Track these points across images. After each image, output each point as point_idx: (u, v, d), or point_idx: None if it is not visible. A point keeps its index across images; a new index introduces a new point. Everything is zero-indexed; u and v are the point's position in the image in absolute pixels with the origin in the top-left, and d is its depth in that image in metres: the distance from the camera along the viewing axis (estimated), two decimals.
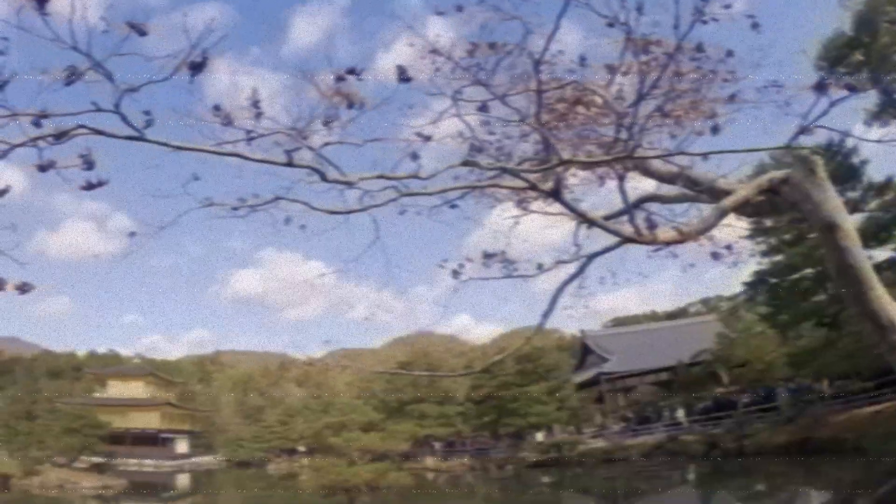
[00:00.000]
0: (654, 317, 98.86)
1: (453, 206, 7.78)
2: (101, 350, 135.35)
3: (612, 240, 7.91)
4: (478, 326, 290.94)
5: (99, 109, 4.87)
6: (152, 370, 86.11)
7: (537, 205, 9.10)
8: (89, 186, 5.16)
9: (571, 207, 7.19)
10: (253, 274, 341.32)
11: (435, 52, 7.22)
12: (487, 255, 8.45)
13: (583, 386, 61.15)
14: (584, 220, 7.48)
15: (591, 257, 8.65)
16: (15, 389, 78.92)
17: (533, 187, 6.89)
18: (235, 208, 6.46)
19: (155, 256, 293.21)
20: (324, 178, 6.04)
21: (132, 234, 6.40)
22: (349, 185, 6.31)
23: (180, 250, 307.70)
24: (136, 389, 77.23)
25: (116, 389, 78.09)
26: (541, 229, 9.48)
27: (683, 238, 7.13)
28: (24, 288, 5.06)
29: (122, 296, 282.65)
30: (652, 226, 6.98)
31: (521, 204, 9.15)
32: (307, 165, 5.95)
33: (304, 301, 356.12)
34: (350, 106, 5.99)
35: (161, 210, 6.65)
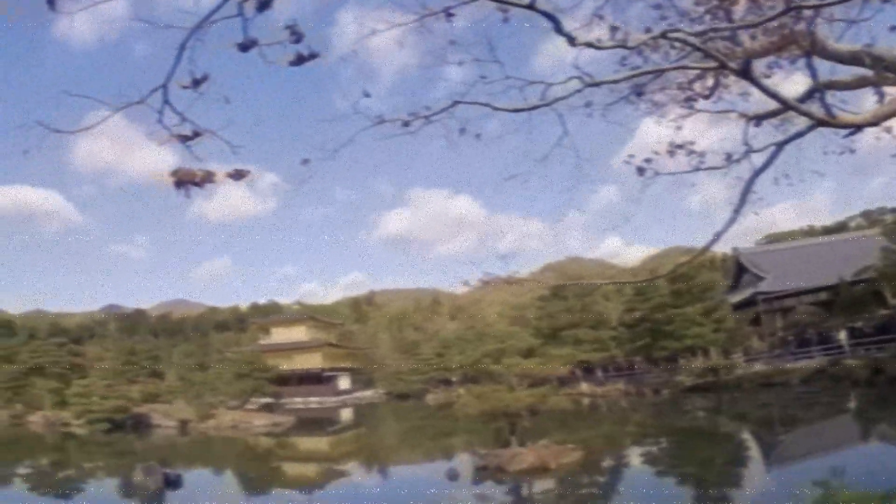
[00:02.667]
0: (811, 232, 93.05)
1: (639, 94, 7.57)
2: (262, 302, 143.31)
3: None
4: (628, 249, 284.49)
5: None
6: (311, 315, 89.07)
7: (700, 104, 8.26)
8: (299, 60, 4.50)
9: (763, 86, 6.46)
10: (402, 214, 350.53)
11: None
12: (675, 146, 7.89)
13: (738, 307, 57.17)
14: (778, 99, 6.69)
15: (781, 145, 7.94)
16: (187, 345, 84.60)
17: (723, 66, 6.22)
18: (406, 123, 6.21)
19: (306, 209, 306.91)
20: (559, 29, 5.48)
21: (305, 161, 6.01)
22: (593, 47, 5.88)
23: (329, 200, 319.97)
24: (298, 334, 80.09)
25: (280, 336, 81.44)
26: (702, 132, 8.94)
27: (877, 119, 6.77)
28: (237, 174, 4.72)
29: (279, 249, 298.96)
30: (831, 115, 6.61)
31: (688, 102, 8.22)
32: (543, 12, 5.34)
33: (453, 236, 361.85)
34: None
35: (334, 134, 6.48)
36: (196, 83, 4.38)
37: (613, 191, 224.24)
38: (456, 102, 6.18)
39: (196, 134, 4.60)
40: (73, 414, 43.58)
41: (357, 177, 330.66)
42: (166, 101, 4.50)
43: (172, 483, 20.78)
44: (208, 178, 4.59)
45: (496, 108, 6.35)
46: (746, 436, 28.44)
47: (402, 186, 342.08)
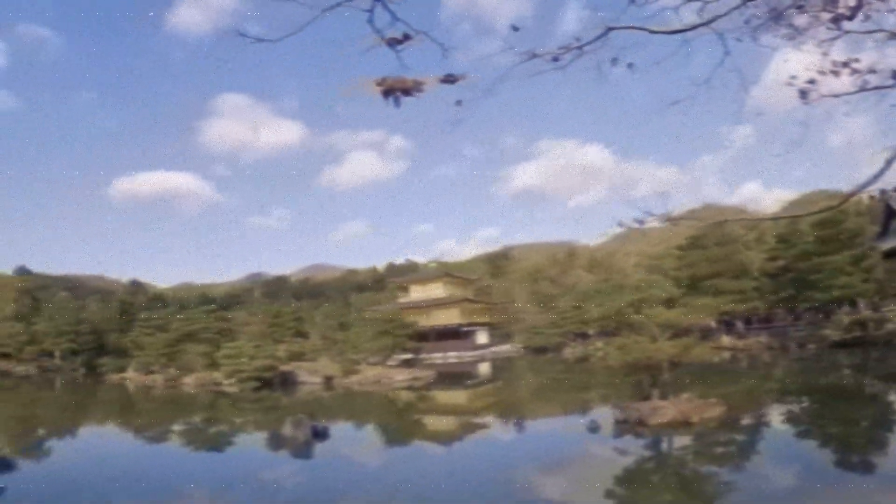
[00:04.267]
0: None
1: (777, 18, 6.71)
2: (399, 261, 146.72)
3: None
4: (767, 194, 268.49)
5: None
6: (448, 272, 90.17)
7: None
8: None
9: None
10: (532, 167, 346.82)
11: None
12: (840, 63, 6.89)
13: (888, 255, 52.18)
14: None
15: None
16: (328, 306, 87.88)
17: None
18: (556, 58, 5.95)
19: (436, 168, 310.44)
20: None
21: (458, 102, 5.48)
22: None
23: (458, 158, 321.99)
24: (435, 291, 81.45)
25: (418, 293, 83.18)
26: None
27: None
28: (450, 79, 4.73)
29: (412, 209, 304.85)
30: None
31: (835, 23, 7.00)
32: None
33: (585, 187, 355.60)
34: None
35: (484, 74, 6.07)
36: None
37: (750, 131, 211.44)
38: (610, 29, 5.92)
39: (406, 37, 4.59)
40: (224, 374, 46.34)
41: (483, 132, 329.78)
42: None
43: (320, 435, 21.61)
44: (417, 86, 4.58)
45: (653, 31, 6.09)
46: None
47: (529, 139, 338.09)
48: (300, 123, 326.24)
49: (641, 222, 8.91)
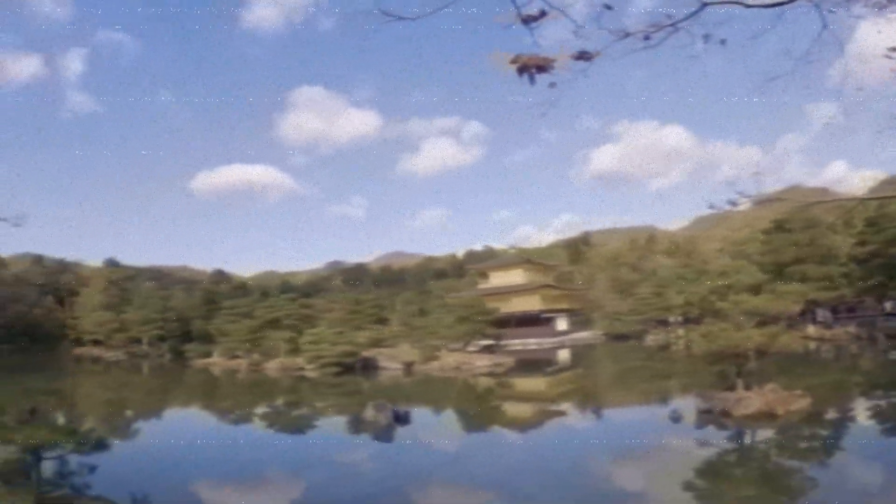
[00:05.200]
0: None
1: None
2: (478, 248, 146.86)
3: None
4: (853, 175, 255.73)
5: None
6: (527, 258, 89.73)
7: None
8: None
9: None
10: (610, 150, 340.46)
11: None
12: None
13: None
14: None
15: None
16: (408, 293, 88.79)
17: None
18: (647, 37, 5.78)
19: (513, 153, 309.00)
20: None
21: (552, 84, 5.15)
22: None
23: (535, 142, 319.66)
24: (514, 277, 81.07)
25: (497, 280, 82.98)
26: None
27: None
28: (584, 56, 4.77)
29: (490, 196, 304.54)
30: None
31: None
32: None
33: (665, 169, 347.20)
34: None
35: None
36: None
37: (836, 108, 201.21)
38: (705, 4, 5.77)
39: (542, 13, 4.57)
40: (306, 359, 47.52)
41: (560, 115, 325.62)
42: None
43: (401, 419, 22.06)
44: (549, 63, 4.55)
45: (749, 6, 5.97)
46: None
47: (607, 120, 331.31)
48: (375, 113, 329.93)
49: (734, 204, 8.70)
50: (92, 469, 8.62)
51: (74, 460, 8.42)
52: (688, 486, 12.89)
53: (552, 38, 5.23)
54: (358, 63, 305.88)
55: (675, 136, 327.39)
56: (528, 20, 4.50)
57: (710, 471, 14.38)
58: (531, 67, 4.39)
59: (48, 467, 8.19)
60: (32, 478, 8.17)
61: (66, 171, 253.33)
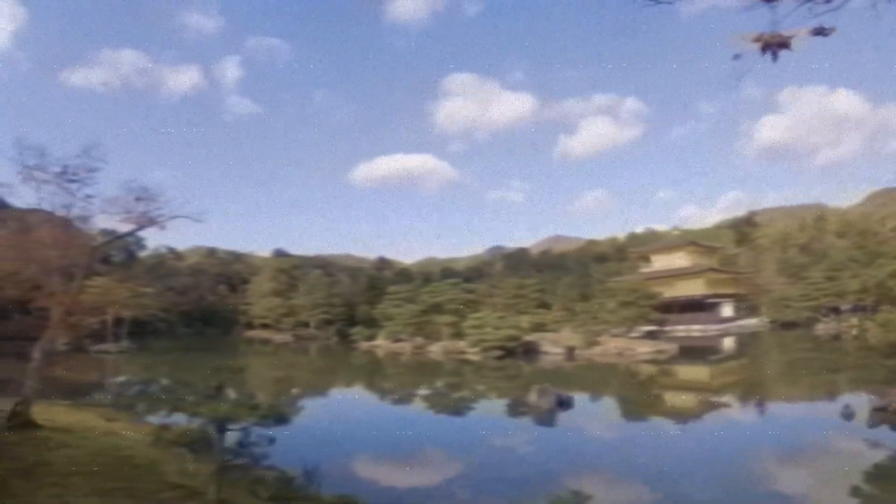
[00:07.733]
0: None
1: None
2: (639, 230, 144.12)
3: None
4: None
5: None
6: (691, 240, 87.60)
7: None
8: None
9: None
10: (776, 120, 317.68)
11: None
12: None
13: None
14: None
15: None
16: (569, 278, 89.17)
17: None
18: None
19: (673, 129, 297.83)
20: None
21: (736, 56, 4.85)
22: None
23: (695, 116, 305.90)
24: (678, 260, 79.60)
25: (660, 263, 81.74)
26: None
27: None
28: (822, 32, 4.53)
29: (651, 175, 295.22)
30: None
31: None
32: None
33: (836, 140, 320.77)
34: None
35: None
36: None
37: None
38: None
39: None
40: (469, 343, 49.55)
41: (718, 86, 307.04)
42: None
43: (564, 404, 23.19)
44: (785, 41, 4.53)
45: None
46: None
47: (770, 88, 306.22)
48: (529, 95, 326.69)
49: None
50: (271, 441, 9.19)
51: (254, 432, 9.01)
52: (855, 492, 12.34)
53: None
54: (506, 46, 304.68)
55: (846, 101, 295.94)
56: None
57: (881, 475, 13.71)
58: (773, 45, 4.49)
59: (230, 438, 8.96)
60: (216, 447, 8.89)
61: (234, 169, 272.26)
